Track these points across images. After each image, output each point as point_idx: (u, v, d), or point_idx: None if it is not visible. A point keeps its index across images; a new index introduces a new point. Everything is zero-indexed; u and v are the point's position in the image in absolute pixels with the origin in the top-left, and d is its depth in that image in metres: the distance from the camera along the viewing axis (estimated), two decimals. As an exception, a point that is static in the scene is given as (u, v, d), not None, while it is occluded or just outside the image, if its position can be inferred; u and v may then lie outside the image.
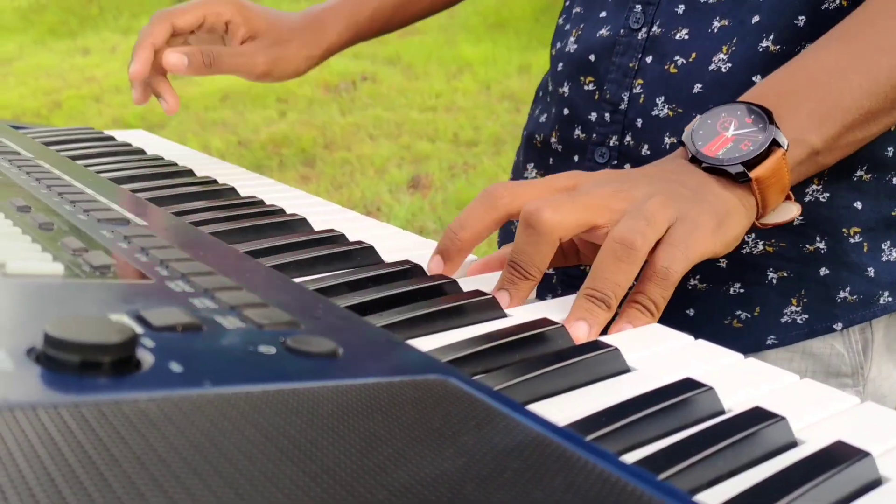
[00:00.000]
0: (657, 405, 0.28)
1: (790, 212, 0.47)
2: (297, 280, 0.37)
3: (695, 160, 0.46)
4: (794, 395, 0.32)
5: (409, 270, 0.42)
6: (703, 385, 0.29)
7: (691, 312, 0.57)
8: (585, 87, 0.61)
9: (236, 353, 0.25)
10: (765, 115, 0.45)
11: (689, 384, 0.30)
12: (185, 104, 3.92)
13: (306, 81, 3.93)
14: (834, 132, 0.46)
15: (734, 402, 0.30)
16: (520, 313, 0.38)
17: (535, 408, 0.28)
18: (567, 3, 0.68)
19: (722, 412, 0.29)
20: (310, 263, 0.42)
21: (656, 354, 0.35)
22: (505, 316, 0.38)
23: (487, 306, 0.38)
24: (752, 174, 0.44)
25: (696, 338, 0.37)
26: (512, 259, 0.41)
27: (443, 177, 2.95)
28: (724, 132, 0.46)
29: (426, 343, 0.33)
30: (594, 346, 0.33)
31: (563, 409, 0.28)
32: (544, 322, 0.36)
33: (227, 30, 0.70)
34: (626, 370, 0.33)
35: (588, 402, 0.29)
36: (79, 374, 0.20)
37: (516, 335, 0.34)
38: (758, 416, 0.27)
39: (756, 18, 0.54)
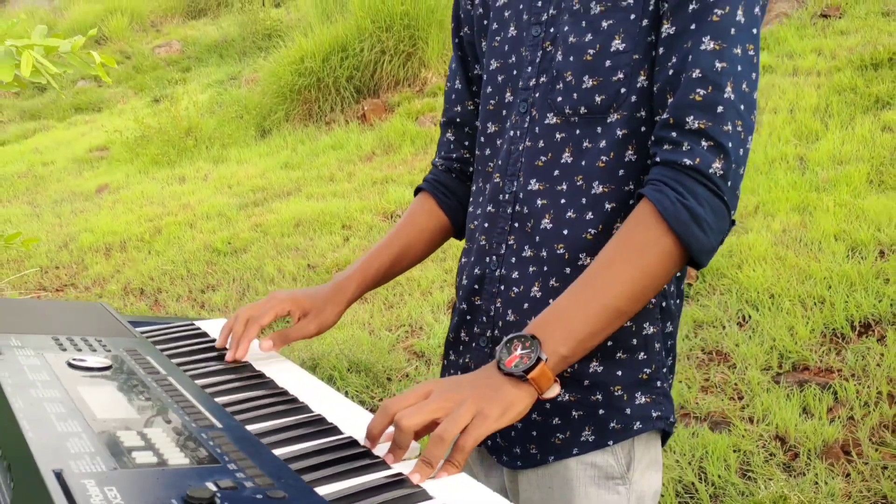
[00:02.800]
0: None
1: (555, 390, 0.87)
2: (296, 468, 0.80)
3: (500, 369, 0.87)
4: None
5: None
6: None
7: (535, 433, 0.98)
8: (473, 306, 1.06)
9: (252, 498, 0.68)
10: (537, 341, 0.86)
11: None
12: (265, 231, 4.51)
13: (367, 209, 4.48)
14: (574, 345, 0.87)
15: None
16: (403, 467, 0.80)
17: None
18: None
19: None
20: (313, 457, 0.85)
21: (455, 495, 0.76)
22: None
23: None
24: (529, 377, 0.85)
25: (538, 443, 0.80)
26: (392, 442, 0.83)
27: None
28: (514, 352, 0.88)
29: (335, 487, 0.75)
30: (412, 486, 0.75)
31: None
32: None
33: (289, 314, 1.15)
34: (429, 498, 0.74)
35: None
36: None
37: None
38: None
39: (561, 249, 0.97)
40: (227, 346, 1.12)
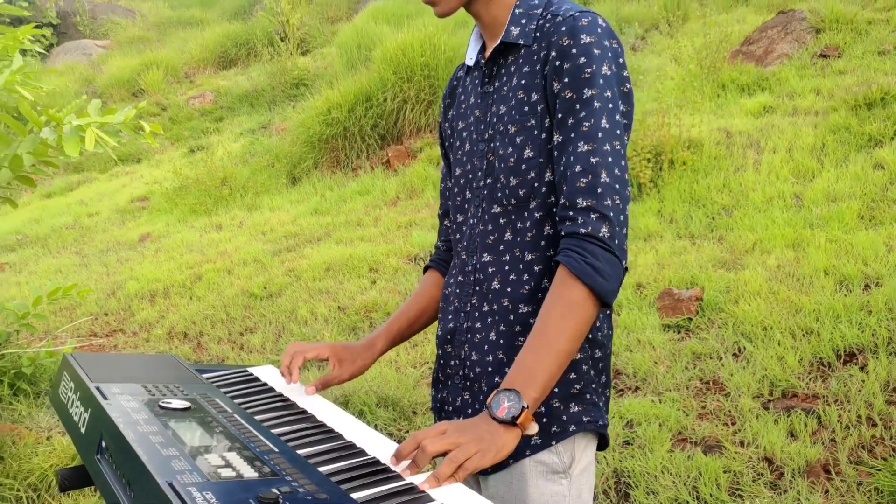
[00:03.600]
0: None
1: (534, 429, 1.16)
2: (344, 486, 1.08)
3: (493, 417, 1.15)
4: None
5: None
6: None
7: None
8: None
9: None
10: (517, 394, 1.14)
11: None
12: (298, 275, 4.83)
13: (392, 253, 4.79)
14: (542, 389, 1.14)
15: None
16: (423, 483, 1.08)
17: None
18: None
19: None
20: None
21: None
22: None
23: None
24: (518, 422, 1.13)
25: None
26: (413, 461, 1.10)
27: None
28: (503, 404, 1.15)
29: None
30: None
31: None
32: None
33: (327, 359, 1.46)
34: (431, 500, 1.01)
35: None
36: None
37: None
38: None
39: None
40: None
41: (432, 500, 1.04)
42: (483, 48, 1.39)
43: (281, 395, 1.45)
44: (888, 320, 2.94)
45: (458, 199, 1.41)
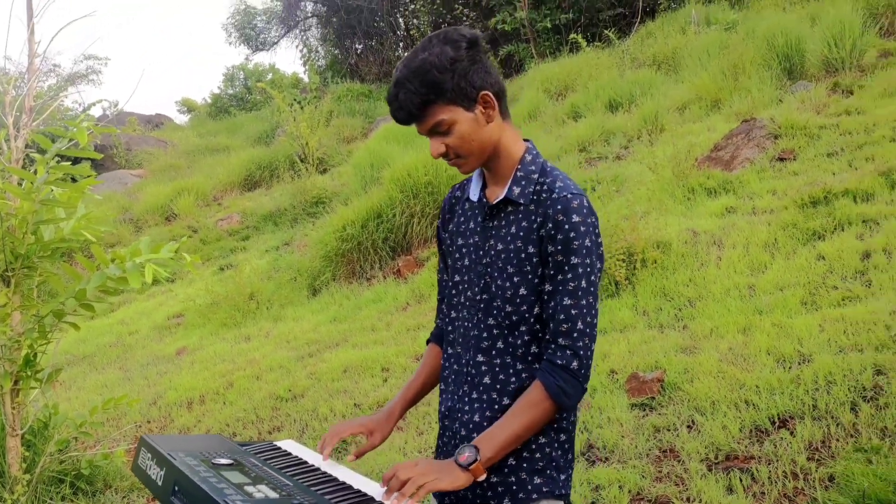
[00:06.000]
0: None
1: (483, 476, 1.71)
2: None
3: (456, 460, 1.70)
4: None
5: None
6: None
7: (479, 501, 1.79)
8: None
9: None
10: (478, 449, 1.70)
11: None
12: (318, 378, 5.41)
13: (402, 353, 5.37)
14: (495, 454, 1.66)
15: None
16: None
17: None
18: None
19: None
20: None
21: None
22: None
23: None
24: (470, 468, 1.67)
25: None
26: (389, 487, 1.66)
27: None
28: (464, 453, 1.69)
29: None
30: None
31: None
32: None
33: (361, 433, 2.01)
34: None
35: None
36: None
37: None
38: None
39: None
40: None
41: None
42: (484, 185, 1.81)
43: (297, 457, 2.02)
44: (814, 390, 3.46)
45: (455, 300, 1.82)
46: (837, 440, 3.15)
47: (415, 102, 1.65)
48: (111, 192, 13.82)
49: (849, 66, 7.60)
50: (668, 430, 3.56)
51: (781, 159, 6.20)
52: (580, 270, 1.64)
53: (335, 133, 13.94)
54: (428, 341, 2.09)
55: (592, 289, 1.66)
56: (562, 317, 1.65)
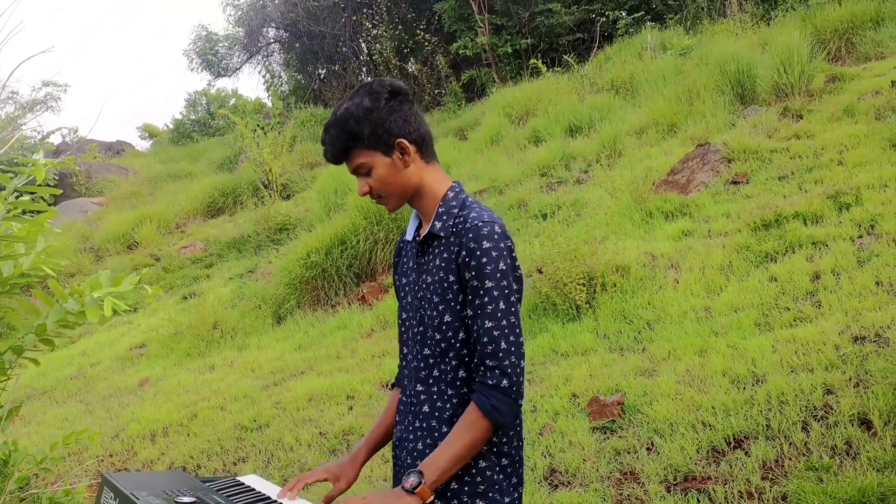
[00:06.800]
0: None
1: (430, 499, 1.76)
2: None
3: (402, 486, 1.76)
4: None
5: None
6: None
7: None
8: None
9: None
10: (422, 473, 1.76)
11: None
12: (283, 407, 5.40)
13: (367, 381, 5.39)
14: (439, 477, 1.75)
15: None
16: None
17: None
18: None
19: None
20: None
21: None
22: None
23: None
24: (416, 492, 1.73)
25: None
26: None
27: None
28: (409, 478, 1.76)
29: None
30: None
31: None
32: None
33: (327, 479, 2.05)
34: None
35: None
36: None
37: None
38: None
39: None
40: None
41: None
42: (419, 226, 1.95)
43: (261, 493, 2.05)
44: (767, 410, 3.56)
45: (404, 336, 1.98)
46: (790, 459, 3.24)
47: (337, 147, 1.84)
48: (71, 220, 13.65)
49: (798, 90, 7.85)
50: (629, 453, 3.63)
51: (735, 182, 6.37)
52: (496, 293, 1.74)
53: (298, 159, 13.94)
54: (392, 385, 2.17)
55: (513, 309, 1.76)
56: (485, 339, 1.74)
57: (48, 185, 4.14)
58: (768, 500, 3.05)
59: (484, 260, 1.75)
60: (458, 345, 1.82)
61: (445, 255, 1.82)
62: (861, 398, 3.42)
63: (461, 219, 1.83)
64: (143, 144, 25.62)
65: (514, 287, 1.79)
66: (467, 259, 1.77)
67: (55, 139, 23.10)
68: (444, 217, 1.86)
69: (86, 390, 7.16)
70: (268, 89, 20.33)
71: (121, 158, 19.94)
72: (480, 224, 1.78)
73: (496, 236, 1.77)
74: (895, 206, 5.06)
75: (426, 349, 1.85)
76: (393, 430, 2.07)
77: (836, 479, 2.99)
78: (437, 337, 1.83)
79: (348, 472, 2.03)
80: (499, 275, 1.75)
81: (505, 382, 1.74)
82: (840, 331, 4.00)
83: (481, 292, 1.75)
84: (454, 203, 1.87)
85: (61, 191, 4.21)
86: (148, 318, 9.09)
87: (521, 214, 7.45)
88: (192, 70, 21.61)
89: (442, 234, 1.84)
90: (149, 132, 26.51)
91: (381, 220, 7.48)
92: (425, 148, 1.88)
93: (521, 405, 1.81)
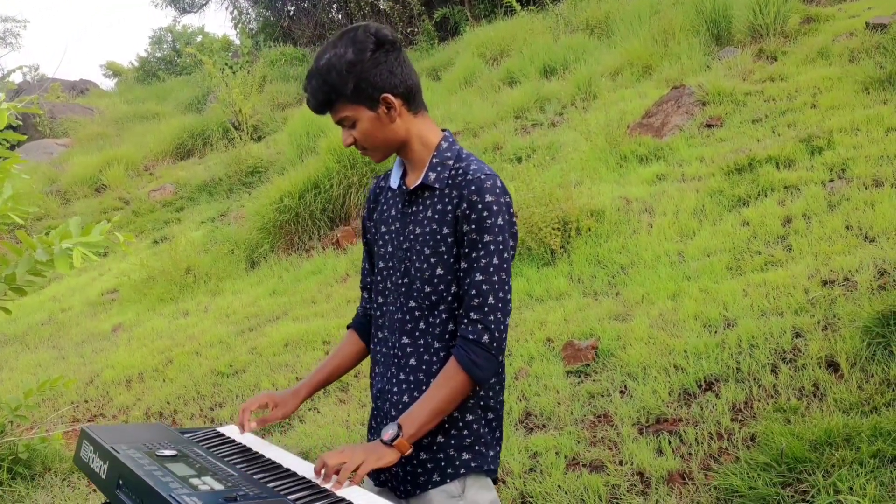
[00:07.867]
0: None
1: (409, 451, 1.79)
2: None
3: (381, 439, 1.77)
4: None
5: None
6: None
7: (410, 477, 1.87)
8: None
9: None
10: (400, 426, 1.77)
11: None
12: (259, 353, 5.41)
13: (343, 326, 5.40)
14: (417, 429, 1.77)
15: None
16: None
17: None
18: None
19: None
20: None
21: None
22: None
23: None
24: (394, 444, 1.76)
25: (412, 482, 1.79)
26: (323, 475, 1.72)
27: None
28: (388, 431, 1.78)
29: None
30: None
31: None
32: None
33: (267, 405, 2.06)
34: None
35: None
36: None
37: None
38: None
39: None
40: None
41: (340, 498, 1.65)
42: (404, 174, 1.90)
43: (241, 444, 2.06)
44: (737, 353, 3.64)
45: (381, 286, 1.92)
46: (759, 401, 3.33)
47: (319, 99, 1.77)
48: (36, 162, 13.34)
49: (773, 32, 7.81)
50: (602, 396, 3.70)
51: (709, 126, 6.37)
52: (492, 248, 1.74)
53: (269, 99, 13.68)
54: (348, 326, 2.16)
55: (505, 265, 1.76)
56: (473, 292, 1.74)
57: (12, 129, 4.04)
58: (737, 441, 3.14)
59: (485, 213, 1.74)
60: (449, 298, 1.81)
61: (440, 206, 1.80)
62: (829, 341, 3.50)
63: (459, 170, 1.81)
64: (107, 83, 24.97)
65: (510, 244, 1.79)
66: (468, 212, 1.75)
67: (16, 78, 22.41)
68: (439, 168, 1.83)
69: (58, 336, 7.11)
70: (235, 26, 19.79)
71: (85, 98, 19.43)
72: (483, 177, 1.76)
73: (498, 190, 1.76)
74: (866, 149, 5.11)
75: (412, 301, 1.84)
76: (337, 370, 2.10)
77: (804, 421, 3.08)
78: (427, 290, 1.81)
79: (288, 403, 2.05)
80: (497, 229, 1.74)
81: (486, 338, 1.75)
82: (810, 275, 4.07)
83: (479, 246, 1.74)
84: (449, 154, 1.84)
85: (26, 136, 4.09)
86: (119, 262, 9.00)
87: (497, 158, 7.41)
88: (156, 5, 20.94)
89: (437, 186, 1.81)
90: (113, 70, 25.81)
91: (356, 163, 7.40)
92: (412, 100, 1.82)
93: (501, 361, 1.82)
